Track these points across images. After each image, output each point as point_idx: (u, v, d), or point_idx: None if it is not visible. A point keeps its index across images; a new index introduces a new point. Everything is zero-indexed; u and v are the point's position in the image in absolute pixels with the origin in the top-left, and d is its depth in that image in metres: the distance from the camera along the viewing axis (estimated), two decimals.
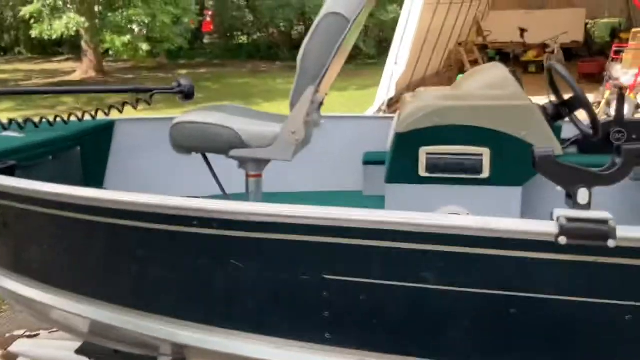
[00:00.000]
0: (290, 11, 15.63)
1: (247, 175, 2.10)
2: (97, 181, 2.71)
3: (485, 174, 2.08)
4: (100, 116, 2.54)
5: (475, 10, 12.74)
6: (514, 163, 2.05)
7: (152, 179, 2.75)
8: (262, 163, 2.06)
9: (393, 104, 8.75)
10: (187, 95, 2.62)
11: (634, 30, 7.97)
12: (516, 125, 2.04)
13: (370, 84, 11.93)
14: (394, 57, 8.35)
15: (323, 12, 1.83)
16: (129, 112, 2.61)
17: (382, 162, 2.64)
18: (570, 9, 12.75)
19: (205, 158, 2.12)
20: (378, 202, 2.54)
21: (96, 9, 13.03)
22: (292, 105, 1.93)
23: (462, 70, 10.34)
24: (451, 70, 11.61)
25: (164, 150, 2.47)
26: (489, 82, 2.24)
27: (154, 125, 2.80)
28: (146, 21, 11.42)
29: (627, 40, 9.22)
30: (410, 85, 9.95)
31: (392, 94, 8.49)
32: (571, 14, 12.58)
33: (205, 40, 21.53)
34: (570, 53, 12.16)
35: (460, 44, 11.89)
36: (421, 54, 9.41)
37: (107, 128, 2.71)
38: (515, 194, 2.09)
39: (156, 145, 2.69)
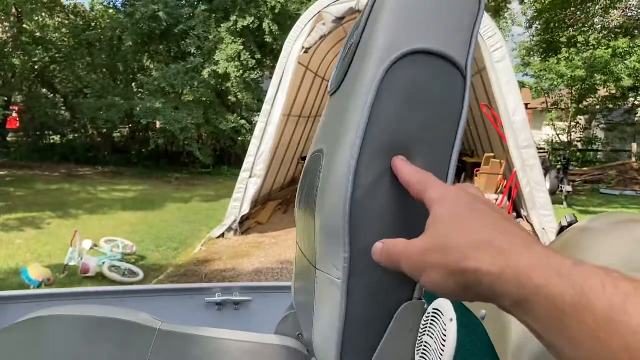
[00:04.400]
0: (115, 112, 14.01)
1: None
2: None
3: None
4: None
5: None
6: None
7: None
8: None
9: (244, 220, 7.72)
10: None
11: (487, 155, 8.01)
12: None
13: (213, 196, 10.76)
14: (249, 171, 7.36)
15: (386, 56, 0.69)
16: None
17: None
18: None
19: None
20: None
21: None
22: None
23: None
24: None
25: None
26: None
27: None
28: None
29: (472, 164, 9.44)
30: (259, 200, 9.06)
31: (246, 210, 7.41)
32: None
33: (9, 138, 18.70)
34: None
35: (304, 159, 11.44)
36: (270, 168, 8.61)
37: None
38: None
39: None
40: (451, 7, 0.72)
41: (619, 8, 17.05)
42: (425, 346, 1.18)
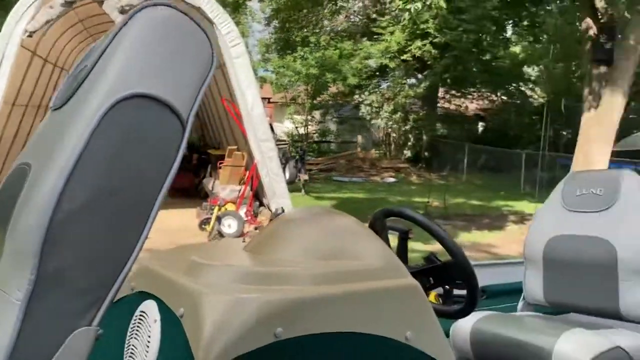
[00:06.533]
0: None
1: None
2: None
3: None
4: None
5: None
6: None
7: None
8: None
9: None
10: None
11: (230, 148, 8.26)
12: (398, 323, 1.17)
13: None
14: None
15: (114, 91, 0.72)
16: None
17: None
18: None
19: None
20: None
21: None
22: None
23: None
24: None
25: None
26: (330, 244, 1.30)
27: None
28: None
29: (216, 156, 9.58)
30: None
31: None
32: None
33: None
34: None
35: None
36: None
37: None
38: None
39: None
40: (185, 60, 0.77)
41: (343, 13, 19.05)
42: (132, 349, 1.18)
